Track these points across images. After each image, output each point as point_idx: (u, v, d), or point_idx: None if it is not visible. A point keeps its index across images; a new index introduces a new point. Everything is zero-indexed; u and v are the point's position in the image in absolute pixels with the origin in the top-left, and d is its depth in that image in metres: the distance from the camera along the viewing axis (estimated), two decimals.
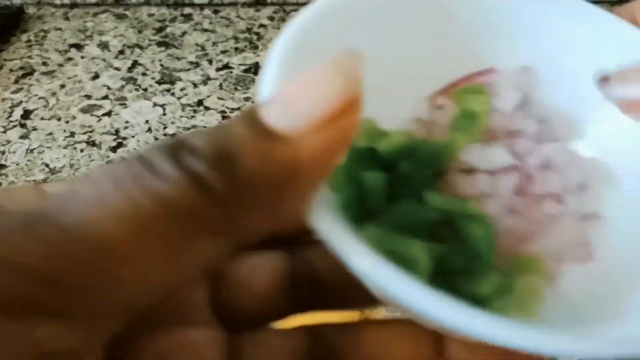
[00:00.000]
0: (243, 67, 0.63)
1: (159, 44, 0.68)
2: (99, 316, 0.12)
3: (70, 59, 0.66)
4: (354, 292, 0.16)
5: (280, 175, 0.12)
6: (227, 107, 0.57)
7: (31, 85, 0.61)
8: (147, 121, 0.55)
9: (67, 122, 0.55)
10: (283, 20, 0.73)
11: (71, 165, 0.50)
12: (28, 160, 0.50)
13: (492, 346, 0.13)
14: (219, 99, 0.58)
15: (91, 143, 0.52)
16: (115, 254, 0.11)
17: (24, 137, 0.53)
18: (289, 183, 0.12)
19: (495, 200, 0.17)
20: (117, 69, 0.63)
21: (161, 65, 0.64)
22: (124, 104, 0.58)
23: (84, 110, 0.57)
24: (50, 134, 0.54)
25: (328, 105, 0.12)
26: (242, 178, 0.12)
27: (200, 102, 0.58)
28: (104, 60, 0.65)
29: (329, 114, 0.12)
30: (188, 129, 0.54)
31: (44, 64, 0.65)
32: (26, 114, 0.56)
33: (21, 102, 0.58)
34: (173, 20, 0.74)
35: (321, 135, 0.12)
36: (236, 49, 0.67)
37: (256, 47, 0.67)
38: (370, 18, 0.17)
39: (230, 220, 0.12)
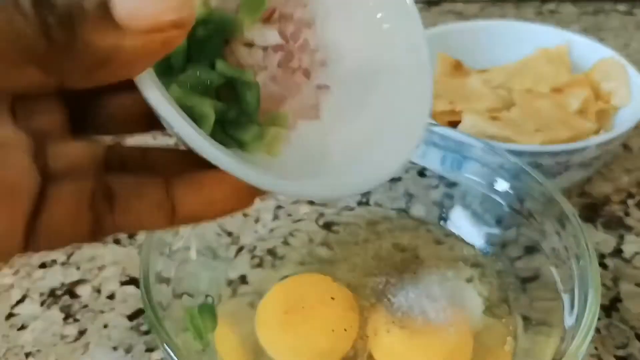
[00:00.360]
0: None
1: None
2: None
3: None
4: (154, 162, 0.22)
5: (103, 50, 0.16)
6: None
7: None
8: None
9: None
10: None
11: None
12: None
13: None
14: None
15: None
16: None
17: None
18: (109, 60, 0.16)
19: (264, 71, 0.22)
20: None
21: None
22: None
23: None
24: None
25: (160, 18, 0.16)
26: (78, 37, 0.16)
27: None
28: None
29: (159, 25, 0.16)
30: None
31: None
32: None
33: None
34: None
35: (147, 37, 0.16)
36: None
37: None
38: None
39: (59, 64, 0.16)
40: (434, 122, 0.41)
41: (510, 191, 0.35)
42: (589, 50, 0.50)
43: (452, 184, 0.38)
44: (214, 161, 0.18)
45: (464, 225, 0.38)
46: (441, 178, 0.39)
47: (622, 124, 0.43)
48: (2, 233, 0.17)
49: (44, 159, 0.19)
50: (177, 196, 0.19)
